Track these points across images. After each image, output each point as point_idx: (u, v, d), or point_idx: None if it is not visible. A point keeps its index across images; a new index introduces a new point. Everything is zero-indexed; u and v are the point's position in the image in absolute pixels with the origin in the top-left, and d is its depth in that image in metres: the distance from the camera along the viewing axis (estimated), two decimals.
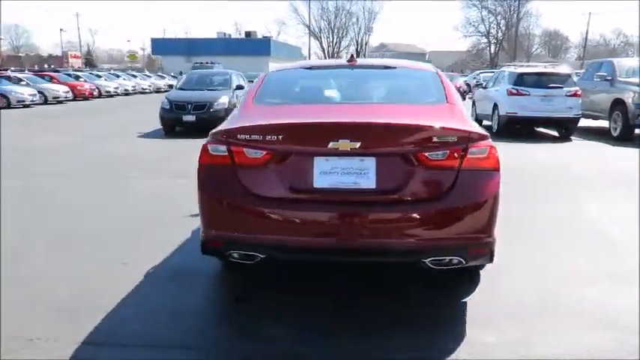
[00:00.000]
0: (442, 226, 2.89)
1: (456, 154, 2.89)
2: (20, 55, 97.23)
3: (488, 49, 74.19)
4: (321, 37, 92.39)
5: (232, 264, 3.68)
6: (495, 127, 12.87)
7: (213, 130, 3.14)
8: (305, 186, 2.92)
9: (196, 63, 38.47)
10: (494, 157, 2.99)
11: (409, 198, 2.89)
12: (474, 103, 15.56)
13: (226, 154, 3.00)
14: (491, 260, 3.09)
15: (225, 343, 2.94)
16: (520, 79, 12.58)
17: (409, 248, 2.90)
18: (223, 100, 13.07)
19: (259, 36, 63.12)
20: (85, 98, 28.39)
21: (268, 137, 2.93)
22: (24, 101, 22.32)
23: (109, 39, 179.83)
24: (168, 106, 12.80)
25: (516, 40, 62.07)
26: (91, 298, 3.42)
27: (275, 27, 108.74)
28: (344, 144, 2.83)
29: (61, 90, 26.01)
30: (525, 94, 12.11)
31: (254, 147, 2.95)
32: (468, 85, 25.67)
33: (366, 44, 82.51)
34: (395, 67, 4.17)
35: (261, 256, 3.00)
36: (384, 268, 3.80)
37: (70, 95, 26.61)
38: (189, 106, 12.65)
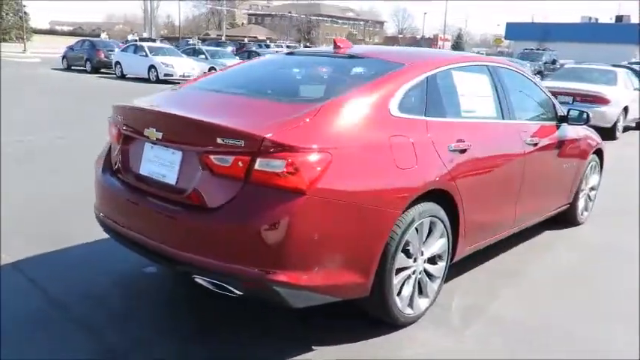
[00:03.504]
0: (208, 242, 2.50)
1: (240, 163, 2.44)
2: (399, 36, 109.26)
3: None
4: None
5: None
6: None
7: None
8: (135, 171, 2.98)
9: (526, 49, 36.45)
10: (298, 176, 2.38)
11: (188, 203, 2.62)
12: None
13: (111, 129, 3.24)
14: (284, 305, 2.53)
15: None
16: None
17: (177, 258, 2.60)
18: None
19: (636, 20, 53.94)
20: None
21: (117, 117, 3.10)
22: None
23: (483, 24, 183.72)
24: None
25: None
26: (79, 237, 4.07)
27: None
28: (151, 132, 2.77)
29: None
30: None
31: (114, 125, 3.15)
32: None
33: None
34: (362, 57, 3.61)
35: (108, 235, 3.19)
36: None
37: None
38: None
